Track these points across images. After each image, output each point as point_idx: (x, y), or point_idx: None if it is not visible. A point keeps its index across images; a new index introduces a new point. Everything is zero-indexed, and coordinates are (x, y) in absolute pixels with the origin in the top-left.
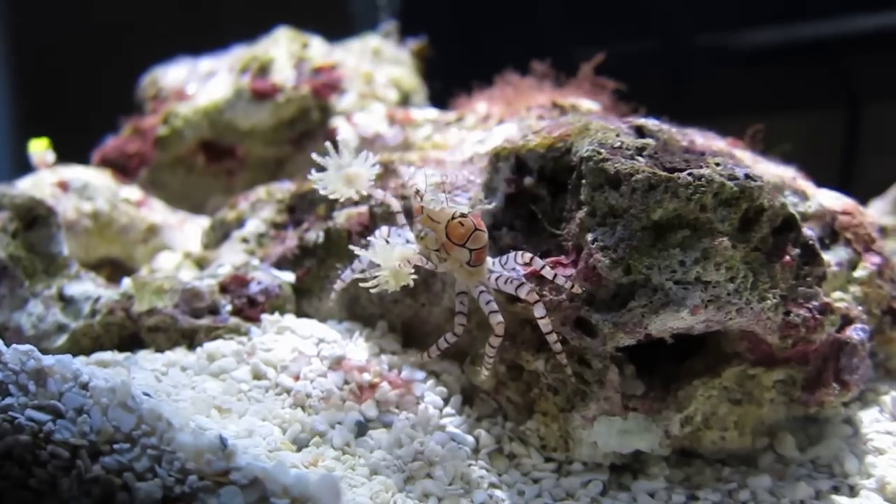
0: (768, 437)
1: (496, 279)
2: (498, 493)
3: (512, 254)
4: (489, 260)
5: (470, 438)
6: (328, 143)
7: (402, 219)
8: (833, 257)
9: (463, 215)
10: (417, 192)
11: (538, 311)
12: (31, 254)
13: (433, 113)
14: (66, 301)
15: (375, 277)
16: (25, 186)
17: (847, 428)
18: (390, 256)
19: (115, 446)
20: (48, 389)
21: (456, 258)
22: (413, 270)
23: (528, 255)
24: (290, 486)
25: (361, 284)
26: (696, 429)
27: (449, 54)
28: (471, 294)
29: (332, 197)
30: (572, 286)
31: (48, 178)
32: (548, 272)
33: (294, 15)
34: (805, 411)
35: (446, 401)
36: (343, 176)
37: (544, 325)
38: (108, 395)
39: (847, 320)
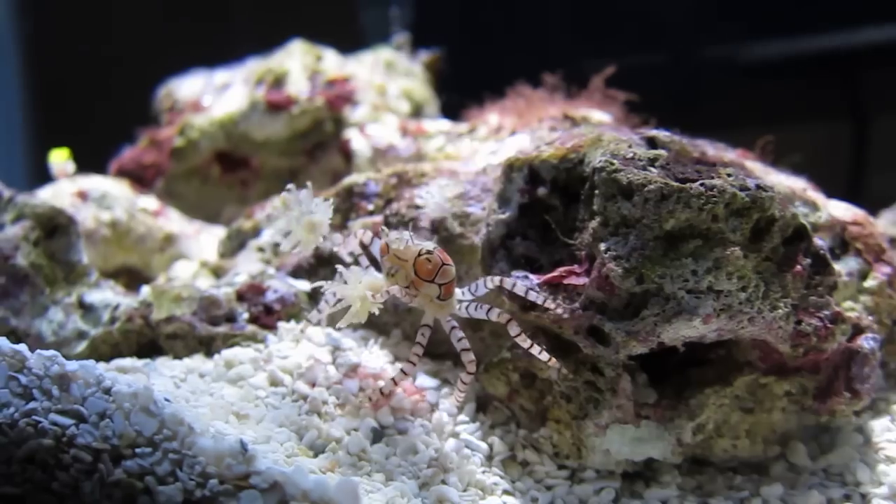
0: (780, 445)
1: (466, 308)
2: (511, 499)
3: (480, 280)
4: (457, 291)
5: (484, 445)
6: (287, 192)
7: (364, 261)
8: (843, 267)
9: (429, 252)
10: (382, 230)
11: (512, 329)
12: (51, 262)
13: (445, 124)
14: (85, 308)
15: (346, 309)
16: (46, 196)
17: (858, 437)
18: (358, 286)
19: (137, 450)
20: (71, 394)
21: (426, 294)
22: (381, 301)
23: (497, 278)
24: (310, 490)
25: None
26: (708, 437)
27: (460, 66)
28: (443, 328)
29: (295, 247)
30: (544, 300)
31: (68, 188)
32: (520, 289)
33: (307, 28)
34: (816, 420)
35: (460, 408)
36: (305, 224)
37: (521, 341)
38: (130, 400)
39: (858, 330)
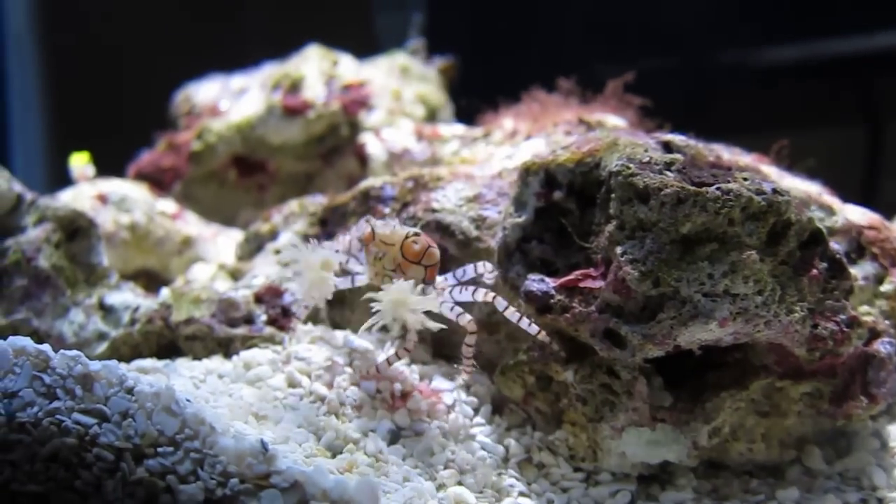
0: (796, 449)
1: (451, 291)
2: (527, 501)
3: (469, 265)
4: (439, 278)
5: (500, 448)
6: (292, 249)
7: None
8: (860, 271)
9: (416, 234)
10: (367, 220)
11: (500, 305)
12: (72, 264)
13: (460, 129)
14: (106, 310)
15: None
16: (66, 199)
17: (875, 441)
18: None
19: (159, 449)
20: (94, 394)
21: (411, 276)
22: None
23: (489, 264)
24: (330, 489)
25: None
26: (724, 440)
27: (474, 71)
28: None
29: (323, 293)
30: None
31: (88, 191)
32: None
33: (322, 32)
34: (833, 424)
35: (476, 410)
36: (321, 266)
37: (510, 315)
38: (152, 400)
39: (874, 334)
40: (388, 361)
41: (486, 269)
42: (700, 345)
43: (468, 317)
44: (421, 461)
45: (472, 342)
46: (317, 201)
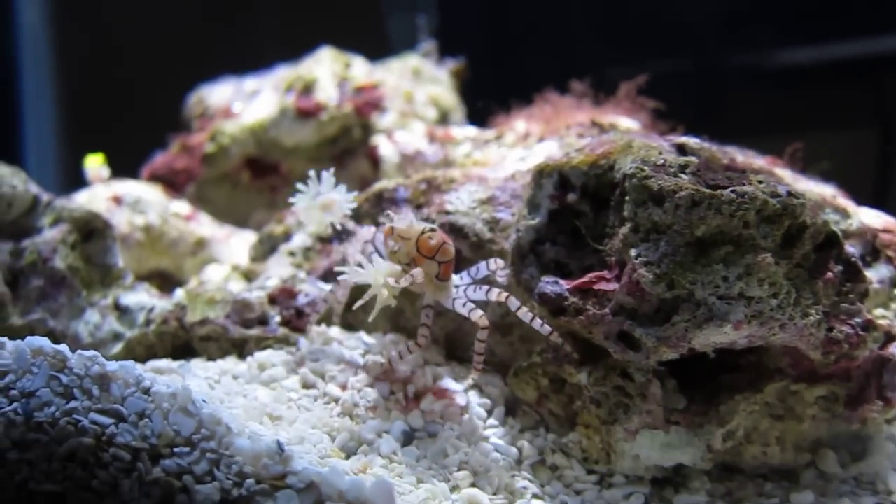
0: (810, 453)
1: (465, 290)
2: (540, 503)
3: (482, 263)
4: (455, 277)
5: (513, 449)
6: (311, 172)
7: (369, 247)
8: (875, 275)
9: (432, 229)
10: (387, 214)
11: (512, 304)
12: (88, 265)
13: (473, 131)
14: (121, 310)
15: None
16: (82, 200)
17: (890, 445)
18: (378, 274)
19: (176, 450)
20: (111, 394)
21: (425, 271)
22: (404, 285)
23: (501, 261)
24: (346, 490)
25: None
26: (738, 443)
27: (486, 73)
28: (444, 307)
29: (305, 222)
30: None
31: (103, 193)
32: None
33: (334, 35)
34: (848, 428)
35: (490, 412)
36: (320, 203)
37: (522, 315)
38: (169, 400)
39: (890, 337)
40: (400, 355)
41: (498, 266)
42: (714, 347)
43: (480, 312)
44: (435, 462)
45: (483, 338)
46: None
